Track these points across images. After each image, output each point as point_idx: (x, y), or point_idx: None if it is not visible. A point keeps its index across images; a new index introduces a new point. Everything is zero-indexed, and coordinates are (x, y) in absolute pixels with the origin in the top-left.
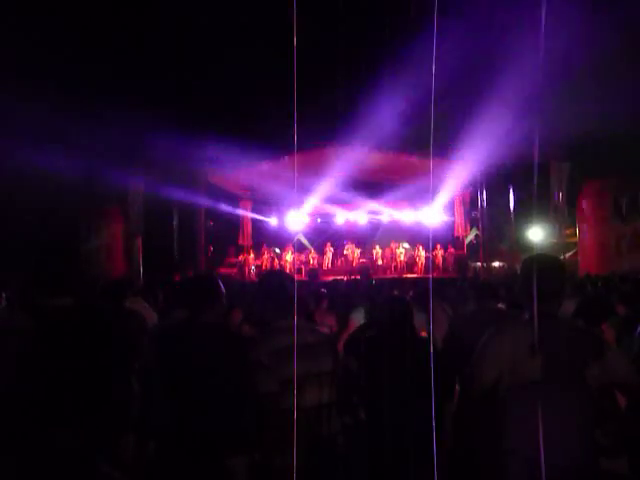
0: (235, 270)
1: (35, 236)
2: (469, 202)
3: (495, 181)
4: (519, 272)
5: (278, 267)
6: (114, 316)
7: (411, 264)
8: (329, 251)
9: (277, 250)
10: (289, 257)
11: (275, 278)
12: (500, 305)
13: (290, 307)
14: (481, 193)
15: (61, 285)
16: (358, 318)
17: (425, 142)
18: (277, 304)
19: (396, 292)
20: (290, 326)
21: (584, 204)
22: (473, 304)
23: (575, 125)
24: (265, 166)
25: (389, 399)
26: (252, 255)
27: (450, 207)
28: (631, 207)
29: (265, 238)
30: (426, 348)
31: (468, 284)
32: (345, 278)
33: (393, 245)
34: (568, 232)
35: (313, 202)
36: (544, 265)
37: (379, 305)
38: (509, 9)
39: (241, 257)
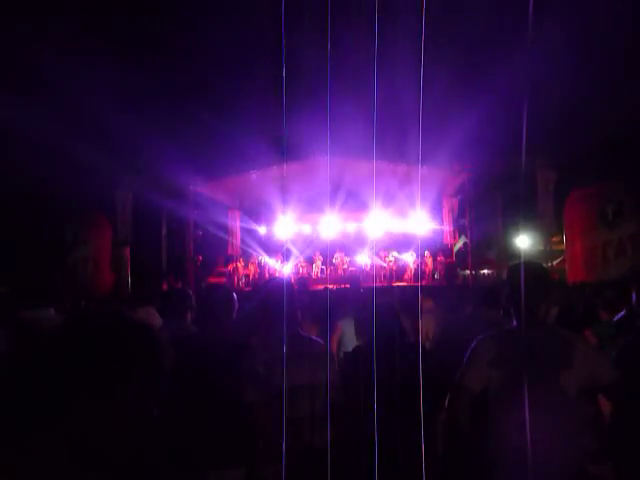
0: (224, 279)
1: (20, 245)
2: (457, 210)
3: (483, 189)
4: (505, 279)
5: (268, 276)
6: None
7: (401, 272)
8: (318, 260)
9: (267, 259)
10: (278, 266)
11: (273, 287)
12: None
13: (287, 316)
14: (469, 201)
15: (45, 297)
16: (347, 326)
17: (413, 151)
18: (275, 313)
19: (384, 299)
20: (286, 335)
21: (570, 211)
22: (464, 310)
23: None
24: (254, 176)
25: (379, 407)
26: (241, 264)
27: (439, 215)
28: (617, 214)
29: (254, 247)
30: (415, 355)
31: (459, 291)
32: (335, 287)
33: (382, 253)
34: (555, 239)
35: (302, 211)
36: (529, 272)
37: (368, 313)
38: (493, 18)
39: (230, 266)
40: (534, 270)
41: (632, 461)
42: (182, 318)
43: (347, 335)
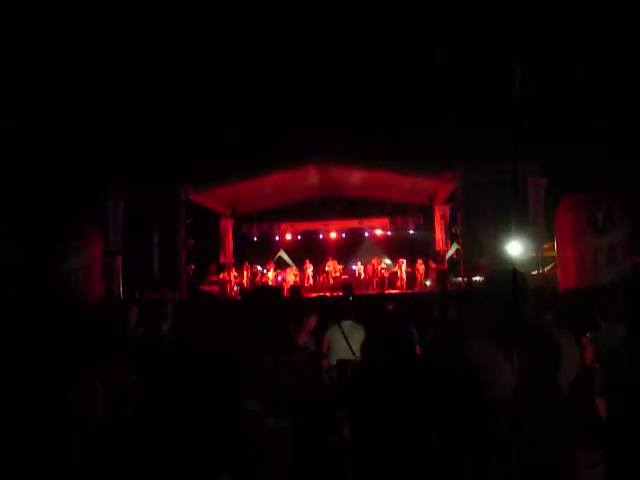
0: (217, 288)
1: (12, 256)
2: (449, 217)
3: (474, 196)
4: (483, 287)
5: (260, 284)
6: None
7: (393, 279)
8: (310, 268)
9: (259, 267)
10: (271, 274)
11: (262, 295)
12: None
13: (277, 324)
14: (461, 208)
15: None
16: (334, 335)
17: (406, 158)
18: (264, 321)
19: (390, 307)
20: (275, 344)
21: (561, 218)
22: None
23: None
24: (246, 184)
25: (381, 418)
26: (234, 273)
27: (431, 222)
28: (607, 221)
29: (246, 255)
30: (422, 366)
31: (449, 298)
32: (327, 294)
33: (374, 261)
34: (546, 246)
35: (294, 219)
36: (504, 279)
37: (373, 322)
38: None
39: (223, 275)
40: (508, 276)
41: (626, 462)
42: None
43: (336, 343)
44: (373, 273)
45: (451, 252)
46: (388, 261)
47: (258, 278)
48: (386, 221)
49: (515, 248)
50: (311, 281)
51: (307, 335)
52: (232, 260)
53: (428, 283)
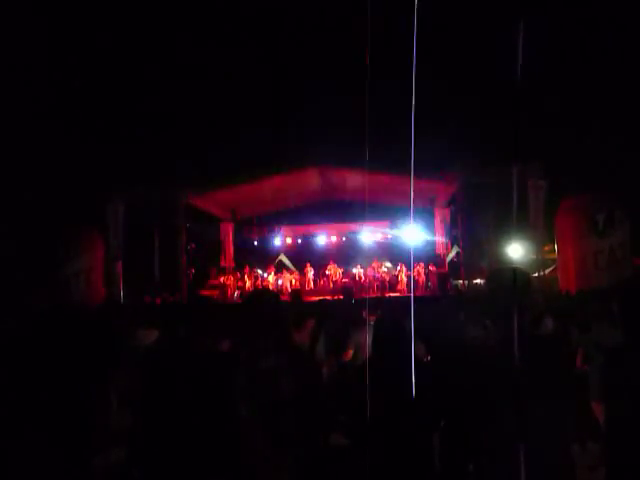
0: (217, 292)
1: (13, 260)
2: (449, 220)
3: (474, 199)
4: (486, 287)
5: (261, 288)
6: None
7: (393, 283)
8: (311, 271)
9: (259, 271)
10: (271, 278)
11: (261, 298)
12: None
13: (274, 328)
14: (461, 211)
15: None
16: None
17: (406, 161)
18: (262, 324)
19: (379, 312)
20: (275, 348)
21: (562, 220)
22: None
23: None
24: (247, 188)
25: (381, 419)
26: (234, 277)
27: (431, 226)
28: (607, 223)
29: (247, 259)
30: (421, 369)
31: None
32: (328, 298)
33: (375, 264)
34: (547, 248)
35: (295, 223)
36: (509, 279)
37: (373, 326)
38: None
39: (223, 279)
40: (512, 276)
41: (626, 464)
42: (173, 331)
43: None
44: (374, 276)
45: (452, 255)
46: (389, 264)
47: (259, 282)
48: (387, 224)
49: (516, 250)
50: (312, 285)
51: (306, 334)
52: (232, 264)
53: (429, 286)
